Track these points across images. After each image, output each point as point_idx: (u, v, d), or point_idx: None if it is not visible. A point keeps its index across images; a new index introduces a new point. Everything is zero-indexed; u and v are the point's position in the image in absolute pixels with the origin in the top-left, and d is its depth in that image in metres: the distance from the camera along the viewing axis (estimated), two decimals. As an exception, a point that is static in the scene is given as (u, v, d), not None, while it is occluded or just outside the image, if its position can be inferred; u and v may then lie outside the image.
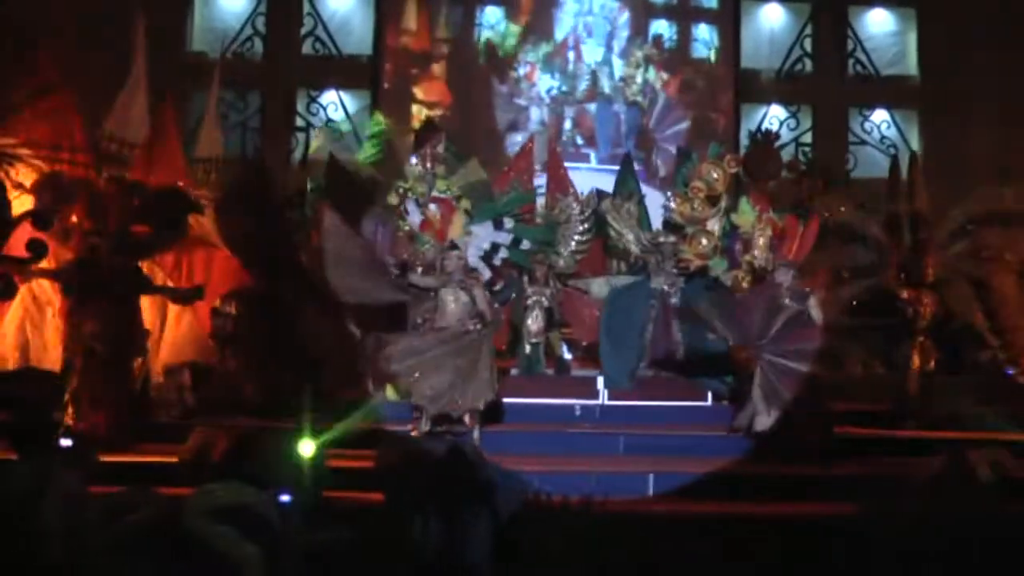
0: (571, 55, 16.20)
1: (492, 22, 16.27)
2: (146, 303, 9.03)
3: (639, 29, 16.42)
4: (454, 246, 9.13)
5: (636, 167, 13.03)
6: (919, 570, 5.66)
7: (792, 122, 16.50)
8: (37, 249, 8.40)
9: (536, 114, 16.01)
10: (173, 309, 9.46)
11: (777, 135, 11.83)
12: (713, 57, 16.50)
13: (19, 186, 8.86)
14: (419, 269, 9.36)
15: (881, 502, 6.54)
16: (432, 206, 9.77)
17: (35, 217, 8.53)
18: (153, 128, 9.93)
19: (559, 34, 16.26)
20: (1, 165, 8.78)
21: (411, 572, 5.47)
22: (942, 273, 10.77)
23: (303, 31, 16.20)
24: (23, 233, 8.59)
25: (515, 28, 16.22)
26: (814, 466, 8.37)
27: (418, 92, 15.94)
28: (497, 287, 10.21)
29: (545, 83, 16.10)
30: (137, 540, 5.97)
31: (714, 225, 10.40)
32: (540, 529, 5.80)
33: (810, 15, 16.77)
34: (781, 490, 7.89)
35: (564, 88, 16.12)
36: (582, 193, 11.45)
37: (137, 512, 6.07)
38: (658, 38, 16.41)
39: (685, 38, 16.51)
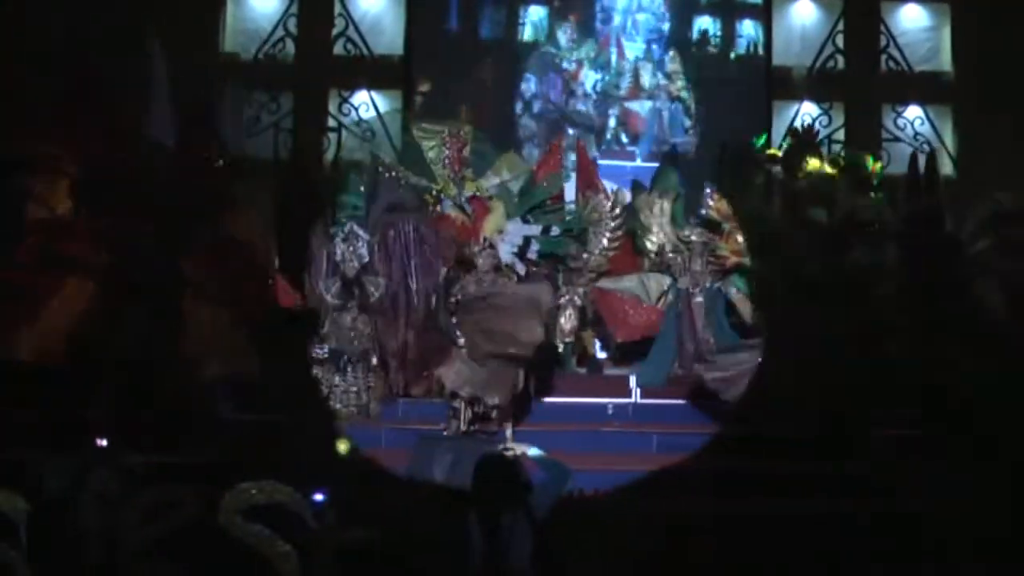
0: (613, 51, 16.08)
1: (535, 19, 16.18)
2: (188, 303, 9.00)
3: (684, 25, 16.29)
4: (490, 245, 9.16)
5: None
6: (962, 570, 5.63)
7: (824, 119, 16.38)
8: (51, 257, 8.54)
9: (581, 111, 15.85)
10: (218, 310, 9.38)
11: (816, 130, 11.76)
12: (761, 53, 16.35)
13: (38, 196, 8.95)
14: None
15: (916, 502, 6.52)
16: (465, 206, 9.83)
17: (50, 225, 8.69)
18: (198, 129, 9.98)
19: (603, 31, 16.12)
20: (21, 174, 8.87)
21: (445, 571, 5.48)
22: (968, 270, 10.64)
23: (334, 32, 16.24)
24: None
25: (541, 10, 16.11)
26: (849, 465, 8.33)
27: (460, 92, 15.81)
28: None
29: (591, 79, 15.97)
30: (173, 538, 6.03)
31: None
32: (575, 528, 5.81)
33: (842, 11, 16.61)
34: (815, 488, 7.85)
35: (608, 79, 15.97)
36: (611, 190, 11.46)
37: (173, 511, 6.14)
38: (704, 33, 16.28)
39: (729, 34, 16.36)
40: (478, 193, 10.61)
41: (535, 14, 16.18)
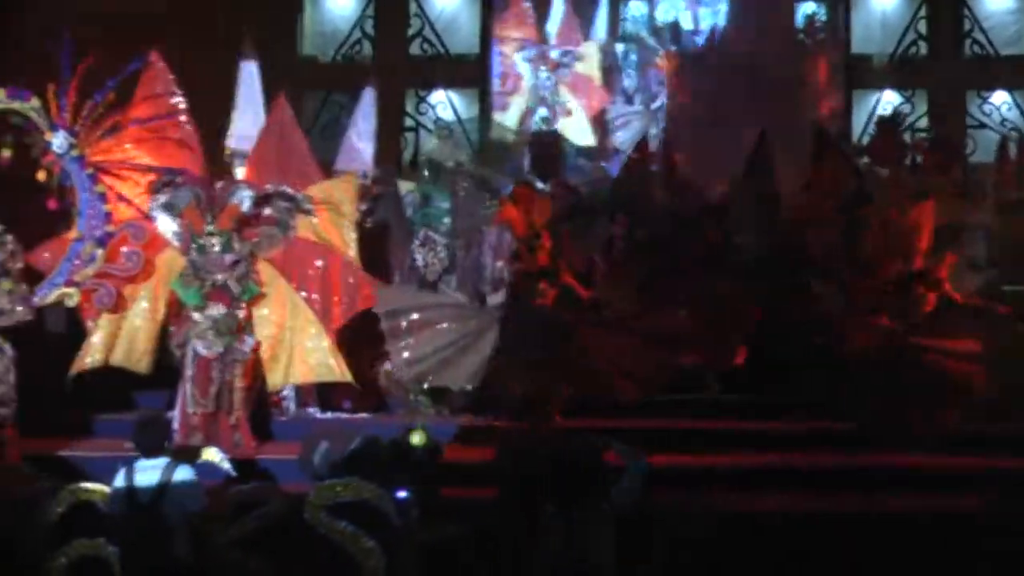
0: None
1: (636, 15, 16.04)
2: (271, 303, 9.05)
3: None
4: (536, 235, 9.12)
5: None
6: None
7: (906, 107, 16.09)
8: (133, 260, 8.72)
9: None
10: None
11: (904, 117, 11.49)
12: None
13: (121, 198, 9.11)
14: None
15: (1004, 499, 6.41)
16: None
17: (132, 229, 8.85)
18: (276, 130, 10.08)
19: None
20: (103, 178, 9.03)
21: (527, 568, 5.52)
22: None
23: (410, 32, 16.41)
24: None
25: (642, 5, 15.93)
26: (930, 458, 8.22)
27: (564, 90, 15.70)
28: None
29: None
30: (262, 533, 6.17)
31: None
32: (657, 524, 5.82)
33: (924, -4, 16.36)
34: (898, 483, 7.76)
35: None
36: None
37: (262, 507, 6.28)
38: (811, 18, 15.97)
39: (837, 18, 16.03)
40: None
41: (637, 10, 16.03)
